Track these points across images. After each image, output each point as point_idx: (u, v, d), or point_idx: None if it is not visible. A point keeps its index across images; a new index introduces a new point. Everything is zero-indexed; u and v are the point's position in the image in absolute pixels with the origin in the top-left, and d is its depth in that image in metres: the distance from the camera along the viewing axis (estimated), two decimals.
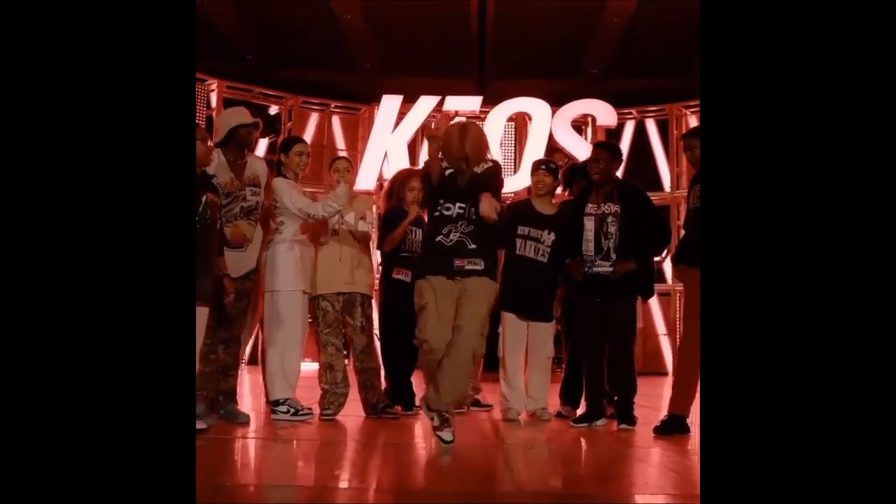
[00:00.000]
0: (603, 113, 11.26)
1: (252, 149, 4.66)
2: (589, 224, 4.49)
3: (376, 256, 5.42)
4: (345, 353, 4.77)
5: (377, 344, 4.91)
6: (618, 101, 11.44)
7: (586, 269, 4.45)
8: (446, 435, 3.47)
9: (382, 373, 4.86)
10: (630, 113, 11.84)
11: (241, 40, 11.04)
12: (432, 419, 3.53)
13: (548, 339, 4.94)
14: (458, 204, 3.65)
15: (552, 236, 4.81)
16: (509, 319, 4.84)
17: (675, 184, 11.27)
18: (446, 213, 3.65)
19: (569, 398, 5.11)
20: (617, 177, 4.63)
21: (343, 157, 5.17)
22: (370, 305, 4.79)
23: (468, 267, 3.62)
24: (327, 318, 4.64)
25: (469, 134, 3.69)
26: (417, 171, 5.40)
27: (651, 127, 11.88)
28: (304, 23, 10.65)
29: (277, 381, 4.39)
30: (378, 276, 5.24)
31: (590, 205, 4.54)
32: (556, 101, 11.28)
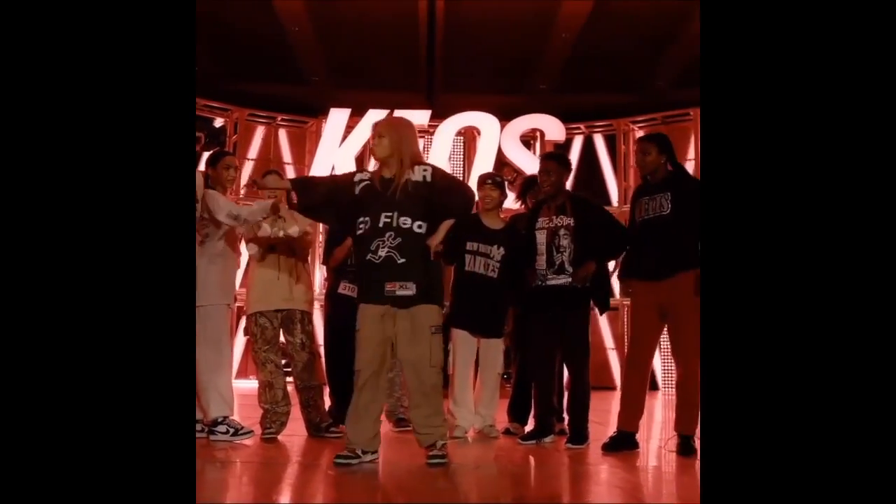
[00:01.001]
0: (551, 128, 11.30)
1: None
2: (541, 238, 4.42)
3: (321, 271, 5.28)
4: (286, 370, 4.63)
5: (322, 361, 4.78)
6: (566, 117, 11.49)
7: (539, 283, 4.38)
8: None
9: (326, 391, 4.72)
10: (578, 128, 11.90)
11: None
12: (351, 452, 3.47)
13: (498, 355, 4.86)
14: (383, 214, 3.49)
15: (501, 251, 4.73)
16: (459, 336, 4.75)
17: (623, 198, 11.32)
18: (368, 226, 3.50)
19: (517, 415, 5.02)
20: (568, 189, 4.57)
21: (276, 171, 4.99)
22: (310, 322, 4.65)
23: (399, 292, 3.47)
24: (265, 335, 4.49)
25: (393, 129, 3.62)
26: None
27: (599, 142, 11.95)
28: (250, 34, 10.48)
29: (212, 400, 4.21)
30: (324, 290, 5.09)
31: (541, 218, 4.47)
32: (505, 116, 11.29)
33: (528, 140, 11.60)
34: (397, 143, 3.54)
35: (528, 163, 10.70)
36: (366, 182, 3.57)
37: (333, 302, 4.87)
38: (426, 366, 3.48)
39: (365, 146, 11.07)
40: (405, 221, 3.48)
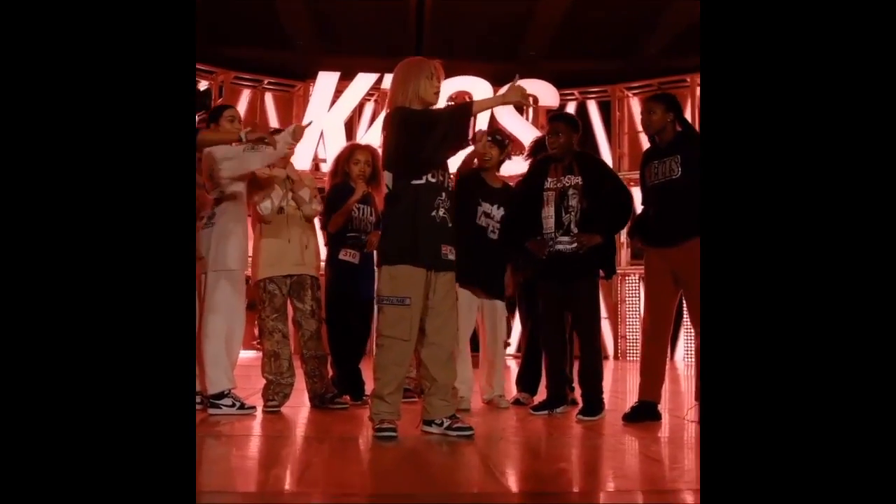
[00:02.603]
0: (545, 93, 11.08)
1: None
2: (550, 199, 4.24)
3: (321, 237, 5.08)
4: (289, 339, 4.45)
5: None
6: (559, 83, 11.29)
7: (549, 249, 4.20)
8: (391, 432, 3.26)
9: (329, 360, 4.55)
10: (571, 94, 11.70)
11: None
12: (380, 423, 3.28)
13: (502, 320, 4.70)
14: (440, 171, 3.36)
15: (501, 212, 4.55)
16: (461, 296, 4.53)
17: (617, 166, 11.16)
18: (432, 179, 3.33)
19: (526, 385, 4.89)
20: (574, 148, 4.39)
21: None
22: (319, 288, 4.47)
23: (450, 257, 3.36)
24: (274, 302, 4.30)
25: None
26: (362, 144, 5.08)
27: (592, 108, 11.77)
28: None
29: (220, 372, 4.00)
30: (323, 258, 4.90)
31: (549, 179, 4.28)
32: (497, 82, 11.04)
33: (520, 107, 11.39)
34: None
35: (523, 129, 10.50)
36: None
37: (335, 269, 4.68)
38: (454, 332, 3.40)
39: (354, 110, 10.81)
40: (450, 182, 3.40)
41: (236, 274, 4.07)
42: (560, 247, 4.18)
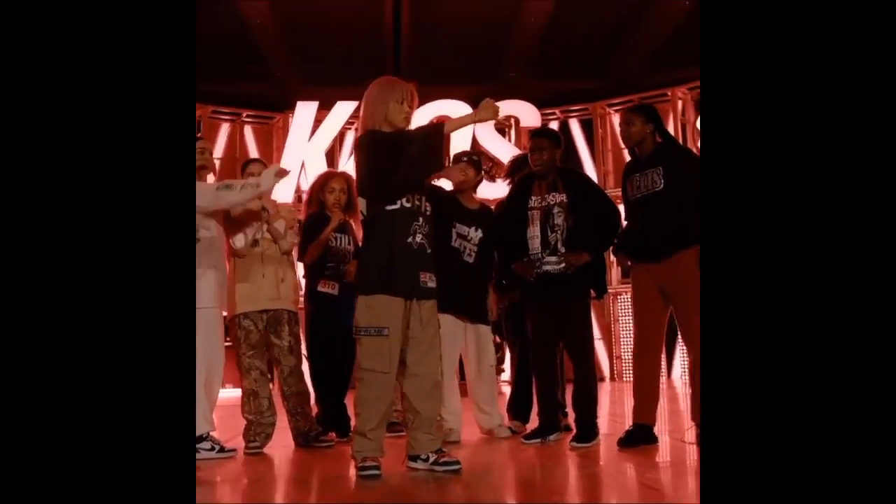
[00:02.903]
0: (526, 113, 11.01)
1: None
2: (535, 218, 4.11)
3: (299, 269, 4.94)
4: (269, 377, 4.29)
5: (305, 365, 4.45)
6: (540, 103, 11.23)
7: (536, 271, 4.07)
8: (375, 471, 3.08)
9: (312, 397, 4.39)
10: (553, 113, 11.64)
11: None
12: (363, 461, 3.11)
13: (489, 344, 4.54)
14: (416, 195, 3.21)
15: (479, 234, 4.40)
16: (445, 323, 4.35)
17: (602, 183, 11.08)
18: (406, 204, 3.18)
19: (517, 412, 4.73)
20: (557, 165, 4.27)
21: (257, 160, 4.68)
22: (297, 323, 4.31)
23: (430, 284, 3.22)
24: (250, 338, 4.15)
25: None
26: (336, 172, 4.96)
27: (575, 126, 11.71)
28: (210, 29, 10.07)
29: (199, 414, 3.76)
30: (301, 291, 4.75)
31: (533, 197, 4.15)
32: (476, 106, 10.95)
33: (502, 128, 11.33)
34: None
35: (505, 151, 10.41)
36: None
37: (314, 302, 4.52)
38: (437, 361, 3.25)
39: (335, 139, 10.71)
40: (427, 207, 3.27)
41: (212, 312, 3.89)
42: (548, 267, 4.04)
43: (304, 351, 4.39)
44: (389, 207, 3.16)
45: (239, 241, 4.15)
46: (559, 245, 4.04)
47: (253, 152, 11.24)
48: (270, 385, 4.27)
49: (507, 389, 5.56)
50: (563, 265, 4.01)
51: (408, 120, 3.29)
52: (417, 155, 3.11)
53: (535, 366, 4.25)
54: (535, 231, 4.10)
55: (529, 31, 10.68)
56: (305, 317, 4.59)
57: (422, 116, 10.89)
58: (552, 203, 4.09)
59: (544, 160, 4.15)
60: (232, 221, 4.10)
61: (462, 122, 3.26)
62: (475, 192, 4.63)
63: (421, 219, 3.21)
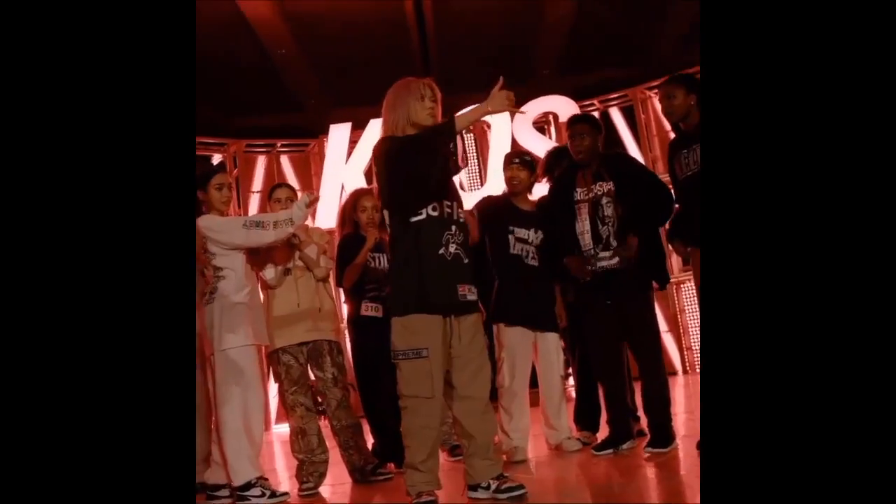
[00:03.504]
0: (564, 108, 10.63)
1: None
2: (583, 211, 3.80)
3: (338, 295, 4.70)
4: (321, 409, 4.05)
5: (354, 395, 4.21)
6: (577, 95, 10.90)
7: (591, 268, 3.76)
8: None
9: (366, 427, 4.14)
10: (592, 104, 11.27)
11: None
12: (418, 496, 2.83)
13: (558, 354, 4.20)
14: (444, 202, 2.94)
15: (539, 235, 4.11)
16: (512, 336, 4.07)
17: (652, 169, 10.66)
18: (433, 213, 2.92)
19: (585, 422, 4.40)
20: (600, 151, 3.95)
21: (285, 185, 4.45)
22: (340, 352, 4.06)
23: (470, 297, 2.94)
24: (291, 374, 3.91)
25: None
26: (366, 189, 4.71)
27: (616, 115, 11.30)
28: (236, 64, 10.05)
29: (244, 461, 3.54)
30: (344, 318, 4.50)
31: (578, 189, 3.85)
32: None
33: (541, 125, 11.02)
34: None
35: (546, 148, 10.09)
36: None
37: (359, 327, 4.26)
38: (487, 380, 2.98)
39: (372, 159, 10.52)
40: (460, 214, 3.00)
41: (246, 350, 3.65)
42: (603, 263, 3.74)
43: (350, 380, 4.14)
44: (414, 219, 2.90)
45: (269, 272, 3.92)
46: (611, 238, 3.73)
47: (292, 182, 11.11)
48: (320, 420, 4.02)
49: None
50: (617, 259, 3.70)
51: (434, 115, 3.02)
52: (426, 158, 2.85)
53: (600, 371, 3.93)
54: (584, 226, 3.81)
55: (556, 26, 10.42)
56: (351, 343, 4.34)
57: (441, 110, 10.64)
58: (600, 193, 3.80)
59: (586, 146, 3.84)
60: (257, 252, 3.87)
61: (474, 116, 2.96)
62: (530, 193, 4.35)
63: (454, 227, 2.94)
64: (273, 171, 11.05)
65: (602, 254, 3.75)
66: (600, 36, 10.52)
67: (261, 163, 11.07)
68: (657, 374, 3.72)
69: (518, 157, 4.33)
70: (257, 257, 3.87)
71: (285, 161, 11.20)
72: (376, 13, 9.87)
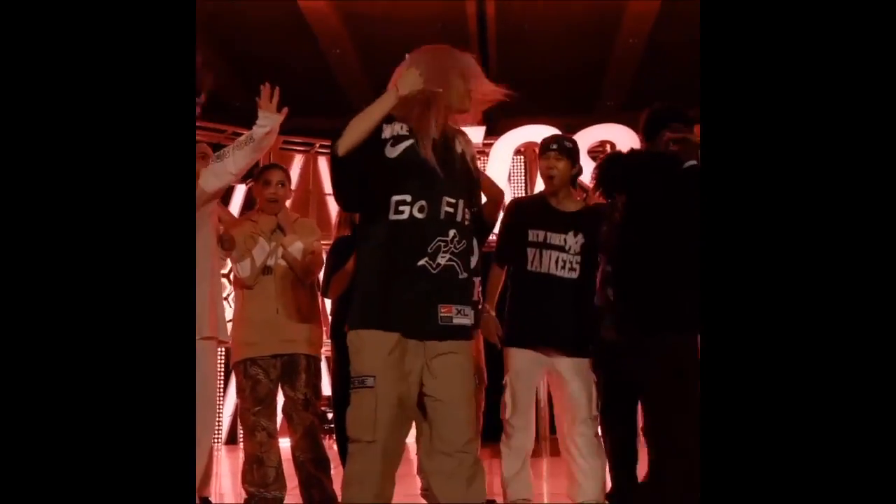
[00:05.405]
0: (623, 138, 9.98)
1: None
2: None
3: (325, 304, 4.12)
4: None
5: (329, 416, 3.62)
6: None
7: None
8: None
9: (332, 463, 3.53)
10: None
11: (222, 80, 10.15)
12: None
13: (588, 387, 3.29)
14: (444, 199, 2.32)
15: (580, 239, 3.33)
16: (520, 360, 3.31)
17: None
18: (419, 215, 2.30)
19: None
20: None
21: (275, 165, 3.85)
22: (317, 372, 3.47)
23: (457, 321, 2.29)
24: (258, 390, 3.33)
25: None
26: None
27: None
28: (291, 61, 9.76)
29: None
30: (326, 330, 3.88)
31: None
32: (570, 130, 10.20)
33: (596, 156, 10.40)
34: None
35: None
36: (407, 141, 2.35)
37: (341, 343, 3.65)
38: (473, 430, 2.33)
39: None
40: (466, 216, 2.36)
41: (200, 345, 3.05)
42: None
43: (325, 406, 3.54)
44: (394, 217, 2.30)
45: (244, 268, 3.37)
46: None
47: (328, 185, 10.65)
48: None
49: None
50: None
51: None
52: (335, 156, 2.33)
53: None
54: None
55: (627, 54, 10.02)
56: (332, 362, 3.75)
57: (506, 144, 10.08)
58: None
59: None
60: (227, 238, 3.31)
61: (383, 105, 2.32)
62: (573, 187, 3.54)
63: (452, 232, 2.31)
64: (308, 172, 10.57)
65: None
66: (672, 69, 9.98)
67: (297, 161, 10.61)
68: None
69: (556, 143, 3.48)
70: (231, 246, 3.32)
71: (322, 162, 10.69)
72: (438, 19, 9.48)
